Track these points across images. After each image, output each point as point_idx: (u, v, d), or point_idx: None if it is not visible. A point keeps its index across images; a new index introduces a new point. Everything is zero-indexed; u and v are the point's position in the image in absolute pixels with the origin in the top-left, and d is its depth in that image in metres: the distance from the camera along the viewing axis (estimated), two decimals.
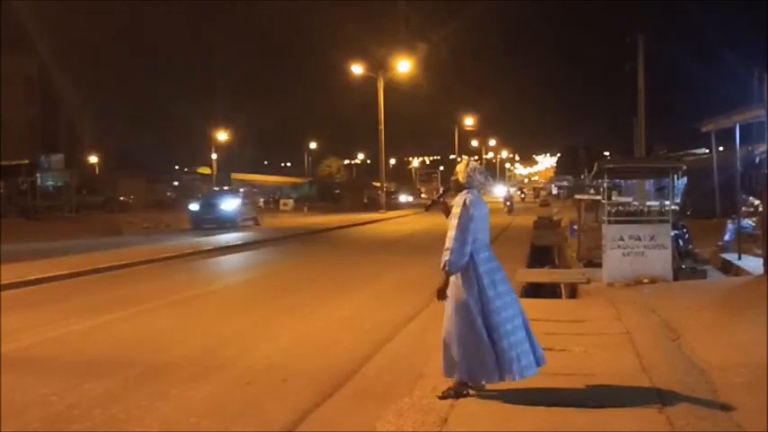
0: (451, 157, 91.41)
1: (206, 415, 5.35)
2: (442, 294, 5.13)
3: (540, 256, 20.53)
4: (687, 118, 29.13)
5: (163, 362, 6.97)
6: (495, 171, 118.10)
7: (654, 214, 13.06)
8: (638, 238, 11.33)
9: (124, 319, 9.44)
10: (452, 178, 5.36)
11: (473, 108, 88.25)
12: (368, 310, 9.99)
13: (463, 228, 5.03)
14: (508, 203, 44.35)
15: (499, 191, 79.73)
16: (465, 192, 5.23)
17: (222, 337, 8.12)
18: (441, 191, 5.55)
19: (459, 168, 5.34)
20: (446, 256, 5.00)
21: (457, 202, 5.19)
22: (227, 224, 27.65)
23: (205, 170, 70.20)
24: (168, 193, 61.11)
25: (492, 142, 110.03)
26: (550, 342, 7.01)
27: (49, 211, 35.27)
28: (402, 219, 38.61)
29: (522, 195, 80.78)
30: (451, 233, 5.04)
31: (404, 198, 62.10)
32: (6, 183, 34.80)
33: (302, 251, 20.33)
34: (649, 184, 20.44)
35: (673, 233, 11.87)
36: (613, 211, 12.80)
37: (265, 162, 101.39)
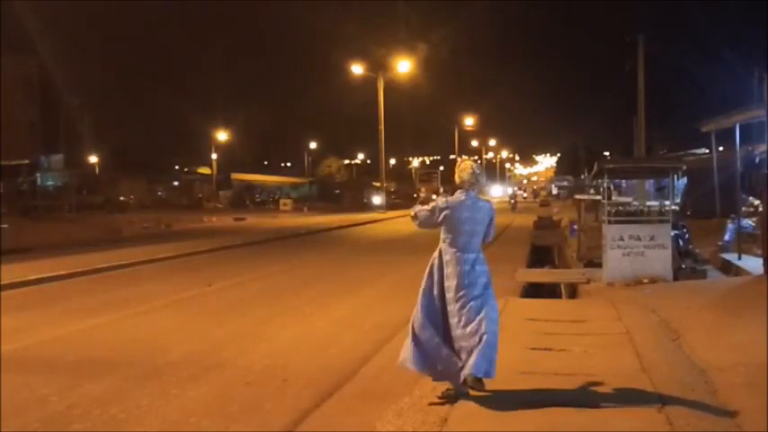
0: (451, 157, 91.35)
1: (206, 415, 5.35)
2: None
3: (540, 256, 20.54)
4: (687, 118, 29.10)
5: (163, 362, 6.96)
6: (495, 171, 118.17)
7: (654, 214, 13.06)
8: (638, 238, 11.33)
9: (124, 319, 9.44)
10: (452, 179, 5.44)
11: (473, 108, 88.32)
12: (368, 310, 9.99)
13: (429, 213, 5.29)
14: (512, 201, 54.82)
15: (495, 191, 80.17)
16: (459, 192, 5.28)
17: (222, 337, 8.12)
18: (443, 192, 5.63)
19: (456, 169, 5.40)
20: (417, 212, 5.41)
21: (444, 197, 5.37)
22: None
23: (205, 170, 70.25)
24: (159, 193, 61.07)
25: (492, 142, 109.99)
26: (550, 342, 7.02)
27: (49, 211, 35.27)
28: (402, 219, 38.61)
29: (525, 196, 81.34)
30: (424, 209, 5.36)
31: (377, 200, 54.27)
32: (6, 183, 34.75)
33: (299, 252, 20.32)
34: (649, 184, 20.45)
35: (673, 233, 11.87)
36: (613, 211, 12.80)
37: (265, 162, 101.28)
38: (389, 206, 48.41)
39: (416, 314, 5.26)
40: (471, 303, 5.09)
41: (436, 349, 5.13)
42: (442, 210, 5.22)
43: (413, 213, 5.43)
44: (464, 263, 5.15)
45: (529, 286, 12.99)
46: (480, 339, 5.01)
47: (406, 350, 5.24)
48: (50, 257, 15.90)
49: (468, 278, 5.13)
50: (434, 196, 5.75)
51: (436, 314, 5.17)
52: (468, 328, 5.04)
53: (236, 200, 61.10)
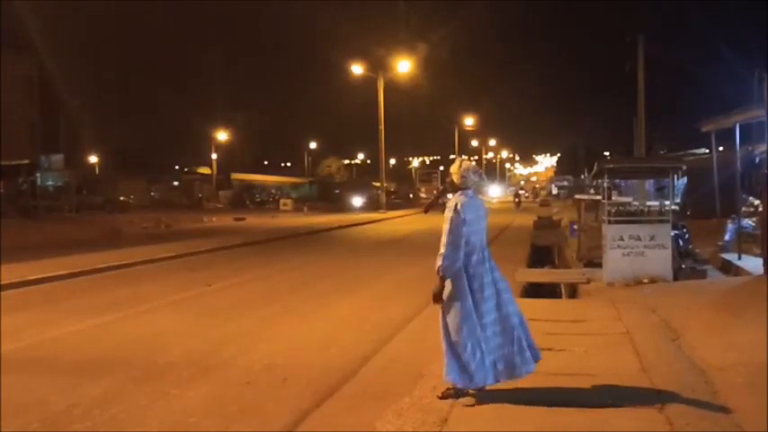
0: (451, 157, 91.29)
1: (206, 415, 5.35)
2: (437, 298, 5.09)
3: (540, 256, 20.53)
4: (687, 118, 29.11)
5: (163, 362, 6.96)
6: (495, 171, 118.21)
7: (654, 214, 13.06)
8: (638, 238, 11.33)
9: (124, 319, 9.44)
10: (447, 179, 5.34)
11: (473, 108, 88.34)
12: (368, 310, 9.98)
13: (454, 232, 5.02)
14: (516, 200, 57.07)
15: (494, 191, 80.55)
16: (459, 194, 5.20)
17: (222, 337, 8.12)
18: (439, 191, 5.49)
19: (453, 169, 5.29)
20: (440, 261, 5.01)
21: (449, 206, 5.17)
22: None
23: (205, 170, 70.27)
24: (152, 193, 61.14)
25: (492, 142, 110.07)
26: (550, 342, 7.01)
27: (49, 211, 35.27)
28: (402, 219, 38.61)
29: (527, 195, 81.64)
30: (444, 238, 5.02)
31: (357, 201, 52.18)
32: (6, 183, 34.77)
33: (299, 252, 20.31)
34: (649, 184, 20.44)
35: (673, 233, 11.87)
36: (613, 211, 12.80)
37: (265, 162, 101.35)
38: (389, 206, 48.35)
39: (457, 328, 5.04)
40: (504, 296, 5.14)
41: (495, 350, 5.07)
42: (461, 219, 5.05)
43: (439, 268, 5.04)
44: (484, 261, 5.15)
45: (529, 286, 12.99)
46: (514, 340, 5.09)
47: (468, 370, 5.02)
48: (50, 257, 15.89)
49: (492, 274, 5.14)
50: (449, 196, 5.37)
51: (475, 322, 5.05)
52: (499, 327, 5.08)
53: (236, 200, 61.11)
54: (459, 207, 5.09)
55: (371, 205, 49.88)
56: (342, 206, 50.96)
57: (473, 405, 5.06)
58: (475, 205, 5.20)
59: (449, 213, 5.11)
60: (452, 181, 5.26)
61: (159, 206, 49.25)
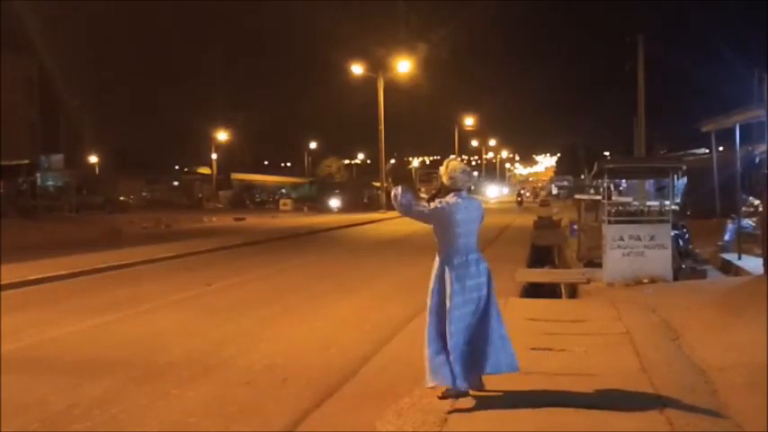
0: (451, 157, 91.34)
1: (206, 415, 5.35)
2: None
3: (540, 256, 20.53)
4: (687, 118, 29.09)
5: (163, 362, 6.96)
6: (495, 171, 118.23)
7: (654, 214, 13.06)
8: (638, 238, 11.33)
9: (124, 319, 9.44)
10: (440, 180, 5.33)
11: (473, 108, 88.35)
12: (368, 310, 9.98)
13: (427, 210, 5.20)
14: (519, 199, 61.27)
15: (491, 192, 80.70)
16: (452, 195, 5.18)
17: (222, 337, 8.12)
18: (436, 190, 5.48)
19: (441, 171, 5.27)
20: (400, 200, 5.27)
21: (440, 200, 5.23)
22: None
23: (205, 170, 70.29)
24: (144, 194, 61.11)
25: (492, 142, 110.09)
26: (550, 342, 7.02)
27: (49, 211, 35.28)
28: (402, 219, 38.50)
29: (527, 195, 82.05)
30: (426, 204, 5.23)
31: (335, 203, 51.19)
32: (6, 183, 34.76)
33: (299, 252, 20.31)
34: (649, 184, 20.45)
35: (673, 233, 11.87)
36: (613, 211, 12.80)
37: (265, 162, 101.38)
38: (389, 206, 48.26)
39: (433, 328, 5.10)
40: (482, 304, 5.07)
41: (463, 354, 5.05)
42: (440, 214, 5.11)
43: (397, 201, 5.28)
44: (468, 265, 5.10)
45: (529, 286, 12.98)
46: (499, 338, 5.07)
47: (438, 368, 5.04)
48: (50, 257, 15.89)
49: (477, 279, 5.09)
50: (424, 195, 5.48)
51: (434, 324, 5.10)
52: (478, 330, 5.03)
53: (236, 200, 61.11)
54: (444, 202, 5.15)
55: (371, 205, 49.80)
56: (341, 206, 50.69)
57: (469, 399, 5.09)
58: (469, 206, 5.19)
59: (436, 202, 5.22)
60: (443, 183, 5.24)
61: (159, 206, 49.25)
